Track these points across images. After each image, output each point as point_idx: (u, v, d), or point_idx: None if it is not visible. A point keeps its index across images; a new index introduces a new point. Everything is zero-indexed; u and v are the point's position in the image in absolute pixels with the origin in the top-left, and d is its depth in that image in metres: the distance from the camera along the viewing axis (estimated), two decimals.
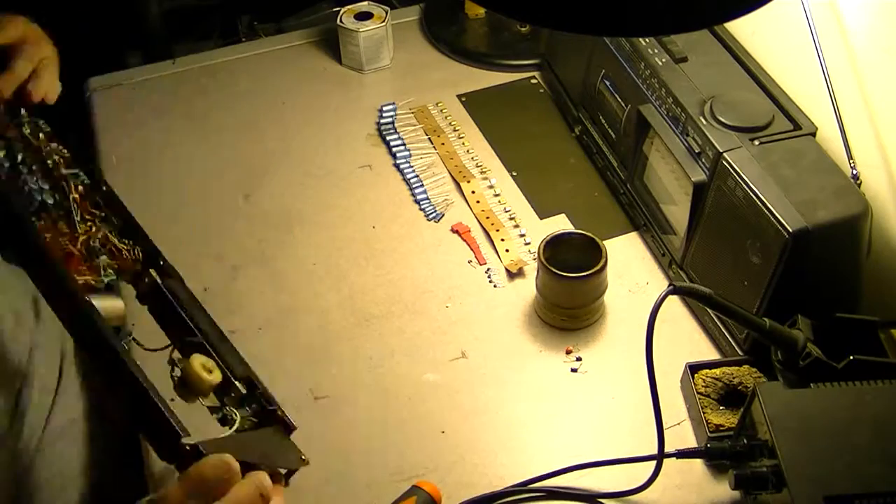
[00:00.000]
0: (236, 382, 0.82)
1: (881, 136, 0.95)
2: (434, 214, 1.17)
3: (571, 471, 0.91)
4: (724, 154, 0.95)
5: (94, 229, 0.87)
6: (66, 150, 0.92)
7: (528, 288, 1.08)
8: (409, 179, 1.21)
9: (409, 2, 1.52)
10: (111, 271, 0.86)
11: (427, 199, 1.19)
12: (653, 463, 0.88)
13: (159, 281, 0.86)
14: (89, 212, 0.89)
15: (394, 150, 1.25)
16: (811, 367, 0.84)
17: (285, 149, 1.26)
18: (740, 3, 0.66)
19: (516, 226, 1.15)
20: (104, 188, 0.91)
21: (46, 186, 0.88)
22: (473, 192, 1.19)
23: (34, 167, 0.89)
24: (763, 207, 0.90)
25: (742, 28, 1.10)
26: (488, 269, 1.10)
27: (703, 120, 0.99)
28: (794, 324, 0.88)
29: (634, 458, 0.91)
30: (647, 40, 1.09)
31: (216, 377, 0.81)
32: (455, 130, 1.28)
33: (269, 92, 1.35)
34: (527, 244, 1.12)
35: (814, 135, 0.98)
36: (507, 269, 1.10)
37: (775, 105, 1.00)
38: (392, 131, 1.28)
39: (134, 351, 0.80)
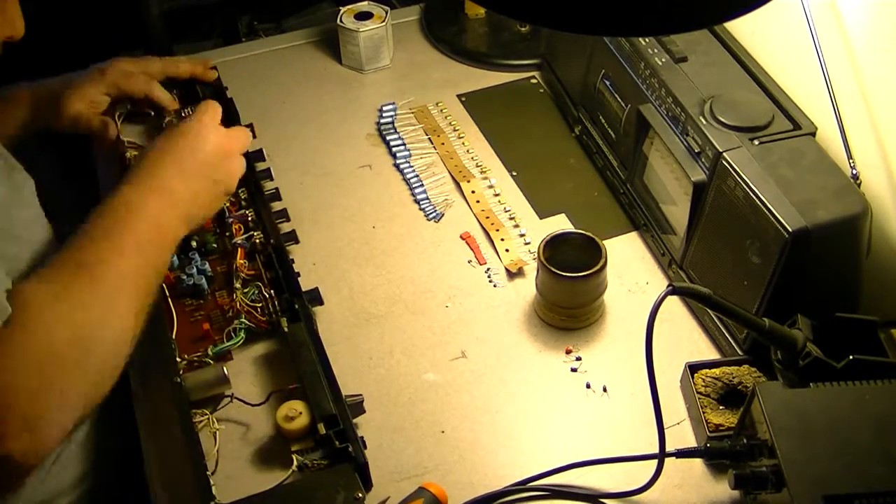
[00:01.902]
0: (318, 425, 0.90)
1: (881, 136, 0.95)
2: (434, 214, 1.17)
3: (571, 468, 0.91)
4: (724, 154, 0.95)
5: (247, 290, 1.03)
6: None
7: (528, 288, 1.08)
8: (409, 179, 1.21)
9: (409, 2, 1.52)
10: (241, 332, 1.00)
11: (427, 199, 1.19)
12: (653, 462, 0.88)
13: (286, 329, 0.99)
14: (247, 272, 1.05)
15: (394, 150, 1.25)
16: (811, 366, 0.84)
17: (285, 148, 1.26)
18: (740, 3, 0.66)
19: (516, 226, 1.15)
20: (272, 244, 1.07)
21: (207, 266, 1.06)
22: (473, 192, 1.19)
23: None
24: (763, 207, 0.90)
25: (742, 28, 1.10)
26: (488, 269, 1.10)
27: (703, 120, 0.99)
28: (793, 324, 0.88)
29: (635, 457, 0.90)
30: (647, 40, 1.09)
31: (300, 422, 0.91)
32: (455, 130, 1.28)
33: (269, 92, 1.35)
34: (527, 244, 1.12)
35: (814, 135, 0.98)
36: (507, 269, 1.10)
37: (775, 105, 1.01)
38: (392, 131, 1.28)
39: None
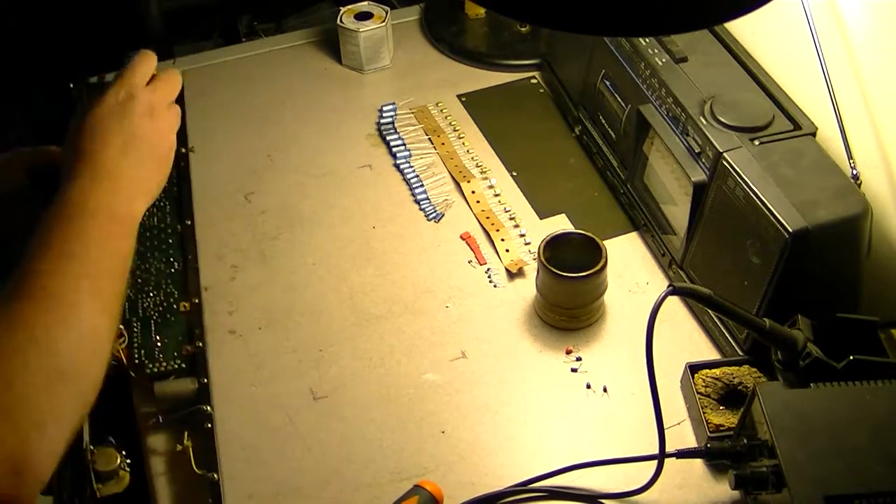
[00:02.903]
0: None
1: (881, 136, 0.95)
2: (434, 214, 1.17)
3: (571, 470, 0.91)
4: (724, 154, 0.95)
5: None
6: None
7: (528, 288, 1.08)
8: (409, 179, 1.21)
9: (409, 2, 1.52)
10: None
11: (427, 199, 1.19)
12: (653, 463, 0.88)
13: None
14: None
15: (394, 150, 1.25)
16: (811, 367, 0.84)
17: (285, 149, 1.26)
18: (740, 3, 0.66)
19: (516, 226, 1.15)
20: None
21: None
22: (473, 192, 1.19)
23: None
24: (763, 207, 0.90)
25: (742, 28, 1.10)
26: (488, 269, 1.10)
27: (703, 120, 0.99)
28: (793, 324, 0.88)
29: (635, 457, 0.91)
30: (647, 40, 1.09)
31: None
32: (455, 130, 1.28)
33: (268, 92, 1.35)
34: (527, 244, 1.12)
35: (814, 135, 0.98)
36: (507, 269, 1.10)
37: (775, 105, 1.00)
38: (392, 131, 1.28)
39: None
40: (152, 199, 0.92)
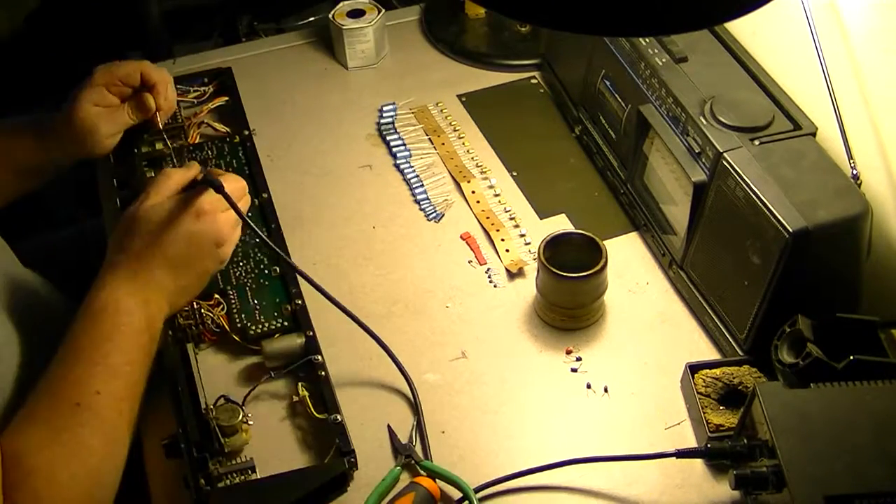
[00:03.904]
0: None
1: (881, 136, 0.95)
2: (434, 214, 1.17)
3: (571, 464, 0.91)
4: (725, 154, 0.95)
5: None
6: None
7: (528, 288, 1.08)
8: (410, 179, 1.21)
9: (409, 2, 1.52)
10: None
11: (427, 199, 1.19)
12: (653, 463, 0.88)
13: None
14: None
15: (394, 150, 1.25)
16: (811, 367, 0.84)
17: (285, 148, 1.26)
18: (740, 3, 0.66)
19: (516, 226, 1.15)
20: None
21: None
22: (473, 192, 1.19)
23: None
24: (763, 207, 0.90)
25: (742, 28, 1.10)
26: (488, 269, 1.10)
27: (703, 120, 0.99)
28: (794, 324, 0.88)
29: (635, 455, 0.91)
30: (647, 40, 1.09)
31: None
32: (455, 130, 1.28)
33: (269, 92, 1.35)
34: (527, 244, 1.12)
35: (814, 135, 0.98)
36: (507, 269, 1.10)
37: (775, 105, 1.00)
38: (392, 131, 1.28)
39: None
40: (174, 304, 0.95)
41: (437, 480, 0.90)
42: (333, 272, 1.11)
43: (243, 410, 0.93)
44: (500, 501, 0.90)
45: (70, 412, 0.81)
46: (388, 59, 1.40)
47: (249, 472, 0.90)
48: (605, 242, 1.02)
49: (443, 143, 1.26)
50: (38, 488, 0.76)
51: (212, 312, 1.01)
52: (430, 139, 1.27)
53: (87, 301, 0.89)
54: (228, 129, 1.25)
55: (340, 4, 1.37)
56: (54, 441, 0.79)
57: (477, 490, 0.89)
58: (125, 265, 0.91)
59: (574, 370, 1.00)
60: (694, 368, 0.96)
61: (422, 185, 1.20)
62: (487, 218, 1.16)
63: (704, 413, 0.92)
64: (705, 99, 1.01)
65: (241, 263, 1.07)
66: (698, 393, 0.94)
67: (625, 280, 1.09)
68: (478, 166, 1.23)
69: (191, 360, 0.98)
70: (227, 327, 1.01)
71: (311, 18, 1.69)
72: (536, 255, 1.02)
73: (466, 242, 1.13)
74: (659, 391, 0.97)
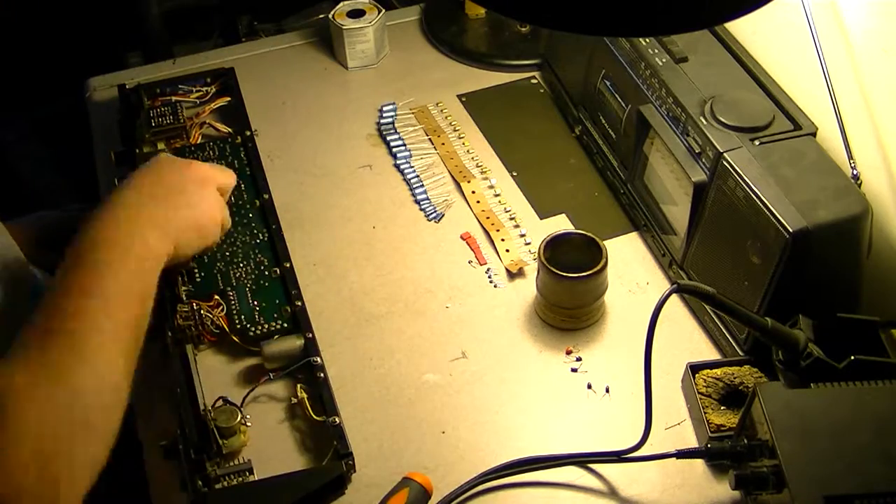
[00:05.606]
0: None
1: (881, 136, 0.95)
2: (434, 214, 1.17)
3: (570, 460, 0.91)
4: (725, 154, 0.95)
5: None
6: None
7: (528, 288, 1.08)
8: (410, 179, 1.21)
9: (409, 2, 1.52)
10: None
11: (427, 199, 1.19)
12: (653, 463, 0.88)
13: None
14: None
15: (394, 150, 1.25)
16: (812, 367, 0.84)
17: (285, 149, 1.26)
18: (740, 3, 0.66)
19: (516, 226, 1.15)
20: None
21: None
22: (473, 192, 1.19)
23: None
24: (763, 207, 0.90)
25: (742, 28, 1.10)
26: (488, 269, 1.10)
27: (703, 120, 0.99)
28: (794, 324, 0.88)
29: (634, 457, 0.91)
30: (647, 40, 1.09)
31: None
32: (455, 130, 1.28)
33: (268, 92, 1.35)
34: (527, 244, 1.12)
35: (814, 135, 0.98)
36: (507, 269, 1.10)
37: (775, 105, 1.00)
38: (392, 131, 1.28)
39: None
40: (169, 238, 0.93)
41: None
42: (333, 272, 1.11)
43: (242, 412, 0.93)
44: (499, 499, 0.90)
45: (55, 343, 0.79)
46: (388, 59, 1.40)
47: (247, 473, 0.90)
48: (605, 242, 1.02)
49: (443, 143, 1.26)
50: (6, 405, 0.73)
51: (211, 313, 1.01)
52: (430, 139, 1.27)
53: (84, 229, 0.88)
54: (230, 130, 1.25)
55: (340, 4, 1.37)
56: (41, 377, 0.77)
57: (476, 478, 0.89)
58: (134, 198, 0.93)
59: (574, 370, 1.00)
60: (695, 368, 0.96)
61: (422, 185, 1.20)
62: (487, 218, 1.16)
63: (705, 413, 0.92)
64: (705, 99, 1.01)
65: (240, 264, 1.07)
66: (699, 393, 0.94)
67: (625, 280, 1.09)
68: (478, 166, 1.23)
69: (190, 362, 0.98)
70: (226, 328, 1.01)
71: (312, 18, 1.69)
72: (536, 255, 1.02)
73: (466, 242, 1.13)
74: (659, 391, 0.97)
